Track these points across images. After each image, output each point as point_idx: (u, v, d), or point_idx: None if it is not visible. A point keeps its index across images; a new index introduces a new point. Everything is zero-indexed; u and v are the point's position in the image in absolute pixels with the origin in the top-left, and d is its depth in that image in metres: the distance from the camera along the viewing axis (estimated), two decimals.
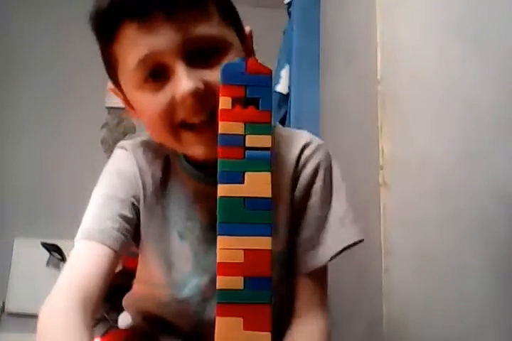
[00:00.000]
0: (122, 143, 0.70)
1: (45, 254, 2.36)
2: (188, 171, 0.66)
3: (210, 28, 0.56)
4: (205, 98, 0.55)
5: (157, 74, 0.56)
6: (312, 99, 1.53)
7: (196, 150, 0.59)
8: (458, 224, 0.89)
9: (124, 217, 0.63)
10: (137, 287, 0.74)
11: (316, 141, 0.70)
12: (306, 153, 0.67)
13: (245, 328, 0.43)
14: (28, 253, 2.40)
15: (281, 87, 1.63)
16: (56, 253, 2.34)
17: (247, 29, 0.65)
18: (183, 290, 0.66)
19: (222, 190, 0.45)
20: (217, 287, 0.43)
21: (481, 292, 0.86)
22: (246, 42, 0.64)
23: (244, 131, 0.46)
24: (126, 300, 0.76)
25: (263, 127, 0.46)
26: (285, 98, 1.63)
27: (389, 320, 0.86)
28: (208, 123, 0.56)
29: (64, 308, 0.53)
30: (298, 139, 0.69)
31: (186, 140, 0.59)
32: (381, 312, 0.87)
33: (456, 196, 0.90)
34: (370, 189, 0.96)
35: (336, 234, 0.65)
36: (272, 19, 2.18)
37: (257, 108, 0.47)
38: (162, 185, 0.67)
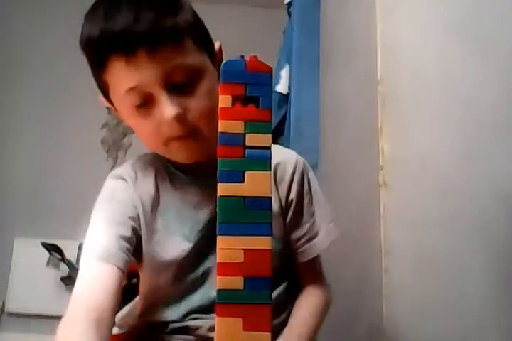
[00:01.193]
0: (113, 173, 0.77)
1: (45, 254, 2.36)
2: (181, 178, 0.75)
3: (186, 59, 0.65)
4: (185, 119, 0.65)
5: (144, 102, 0.65)
6: (312, 99, 1.53)
7: (180, 155, 0.70)
8: (458, 224, 0.89)
9: (126, 238, 0.68)
10: (142, 302, 0.76)
11: (293, 153, 0.81)
12: (290, 165, 0.77)
13: (245, 328, 0.42)
14: (28, 253, 2.39)
15: (281, 87, 1.63)
16: (56, 253, 2.33)
17: (216, 45, 0.73)
18: (196, 290, 0.71)
19: (222, 189, 0.44)
20: (217, 287, 0.43)
21: (481, 292, 0.86)
22: (216, 58, 0.72)
23: (244, 130, 0.46)
24: (123, 319, 0.78)
25: (263, 126, 0.46)
26: (285, 98, 1.63)
27: (389, 320, 0.86)
28: (190, 134, 0.67)
29: (80, 327, 0.57)
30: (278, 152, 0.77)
31: (173, 148, 0.68)
32: (381, 313, 0.87)
33: (456, 196, 0.90)
34: (370, 189, 0.96)
35: (326, 227, 0.78)
36: (272, 19, 2.18)
37: (257, 106, 0.46)
38: (158, 201, 0.73)
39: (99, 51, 0.63)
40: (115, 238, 0.67)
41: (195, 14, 0.70)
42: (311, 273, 0.79)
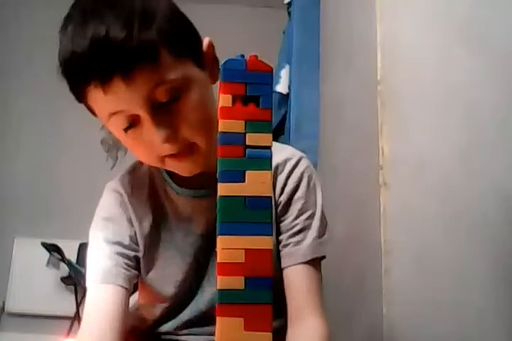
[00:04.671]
0: (110, 186, 0.76)
1: (45, 254, 2.36)
2: (177, 190, 0.73)
3: (167, 76, 0.59)
4: (177, 138, 0.61)
5: (132, 123, 0.61)
6: (312, 99, 1.53)
7: (181, 170, 0.67)
8: (458, 223, 0.89)
9: (125, 255, 0.70)
10: (139, 309, 0.78)
11: (297, 154, 0.77)
12: (288, 166, 0.74)
13: (246, 329, 0.42)
14: (28, 253, 2.40)
15: (281, 87, 1.63)
16: (56, 253, 2.33)
17: (205, 42, 0.67)
18: (188, 304, 0.72)
19: (223, 189, 0.44)
20: (218, 287, 0.43)
21: (482, 292, 0.86)
22: (208, 57, 0.67)
23: (245, 129, 0.46)
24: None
25: (263, 125, 0.46)
26: (285, 98, 1.63)
27: (389, 321, 0.86)
28: (185, 150, 0.64)
29: None
30: (279, 153, 0.74)
31: (170, 165, 0.66)
32: (381, 313, 0.87)
33: (456, 196, 0.90)
34: (370, 189, 0.96)
35: (315, 241, 0.71)
36: (272, 19, 2.18)
37: (258, 106, 0.46)
38: (151, 212, 0.73)
39: (75, 80, 0.60)
40: (114, 256, 0.69)
41: (172, 15, 0.62)
42: (309, 298, 0.68)
